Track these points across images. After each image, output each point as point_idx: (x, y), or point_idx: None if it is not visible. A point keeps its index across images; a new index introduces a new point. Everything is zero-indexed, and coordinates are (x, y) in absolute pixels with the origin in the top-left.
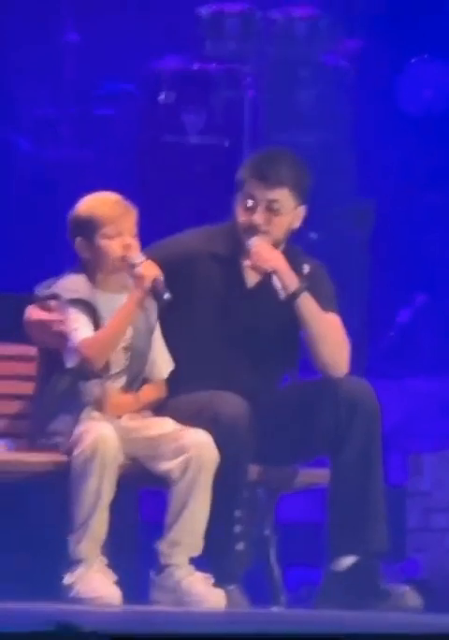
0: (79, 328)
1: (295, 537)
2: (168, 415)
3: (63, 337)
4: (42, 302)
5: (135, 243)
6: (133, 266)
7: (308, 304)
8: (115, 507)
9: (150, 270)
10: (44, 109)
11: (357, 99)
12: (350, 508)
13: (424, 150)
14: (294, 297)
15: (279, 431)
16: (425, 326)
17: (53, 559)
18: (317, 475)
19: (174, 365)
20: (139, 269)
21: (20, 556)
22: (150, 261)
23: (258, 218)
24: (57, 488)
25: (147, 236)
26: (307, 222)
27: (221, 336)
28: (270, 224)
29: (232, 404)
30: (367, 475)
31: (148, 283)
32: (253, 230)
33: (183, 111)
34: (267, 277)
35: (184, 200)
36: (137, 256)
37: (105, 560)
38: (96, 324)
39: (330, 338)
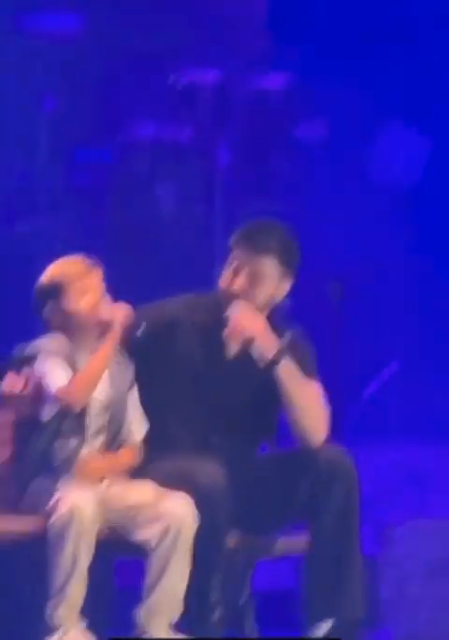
0: (56, 377)
1: (269, 604)
2: (148, 479)
3: (36, 407)
4: (17, 372)
5: (103, 300)
6: (102, 321)
7: (287, 372)
8: (92, 574)
9: (118, 312)
10: (16, 181)
11: (329, 170)
12: (327, 575)
13: (395, 219)
14: (273, 364)
15: (257, 499)
16: (393, 395)
17: (31, 625)
18: (295, 543)
19: (153, 430)
20: (107, 314)
21: None
22: (117, 305)
23: (240, 282)
24: (35, 555)
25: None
26: None
27: (200, 404)
28: (252, 290)
29: (210, 472)
30: (345, 542)
31: (118, 325)
32: (234, 295)
33: (156, 181)
34: (246, 347)
35: (158, 269)
36: (105, 311)
37: (83, 623)
38: None
39: (310, 406)
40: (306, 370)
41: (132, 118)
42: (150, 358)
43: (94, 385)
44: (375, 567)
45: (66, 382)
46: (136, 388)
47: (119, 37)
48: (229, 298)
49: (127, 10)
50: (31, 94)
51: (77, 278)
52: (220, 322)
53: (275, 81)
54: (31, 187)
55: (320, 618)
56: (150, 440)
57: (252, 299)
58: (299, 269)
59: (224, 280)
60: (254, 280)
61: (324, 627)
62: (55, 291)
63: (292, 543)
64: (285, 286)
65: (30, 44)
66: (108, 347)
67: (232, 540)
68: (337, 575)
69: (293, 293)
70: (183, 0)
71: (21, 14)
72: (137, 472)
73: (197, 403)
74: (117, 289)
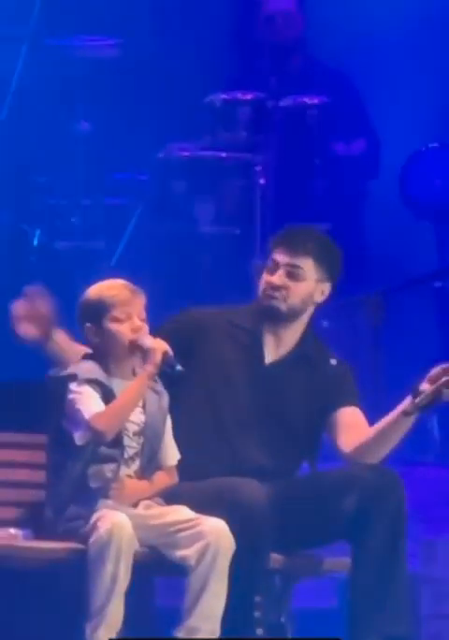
0: (91, 403)
1: (306, 623)
2: (186, 499)
3: (69, 430)
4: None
5: (144, 327)
6: (142, 348)
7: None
8: (131, 595)
9: (160, 344)
10: (56, 199)
11: (369, 187)
12: (374, 594)
13: (434, 238)
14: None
15: (298, 518)
16: (433, 413)
17: None
18: (337, 563)
19: (193, 446)
20: (150, 343)
21: None
22: (159, 339)
23: (277, 279)
24: (74, 576)
25: (158, 325)
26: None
27: (239, 416)
28: (288, 287)
29: (251, 490)
30: (392, 562)
31: (159, 356)
32: (270, 291)
33: (195, 200)
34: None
35: (196, 290)
36: (147, 339)
37: None
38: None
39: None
40: (352, 399)
41: (171, 137)
42: (188, 365)
43: (127, 414)
44: (415, 584)
45: (100, 409)
46: (169, 417)
47: (156, 57)
48: (265, 294)
49: (165, 31)
50: (65, 113)
51: (122, 302)
52: (261, 330)
53: (313, 98)
54: (70, 205)
55: (366, 638)
56: (190, 456)
57: (288, 297)
58: (340, 278)
59: (262, 278)
60: (291, 278)
61: None
62: (100, 310)
63: (333, 562)
64: (325, 290)
65: (68, 65)
66: (145, 377)
67: (273, 559)
68: (384, 595)
69: (332, 311)
70: (220, 21)
71: (60, 36)
72: (174, 493)
73: (238, 413)
74: (153, 311)
